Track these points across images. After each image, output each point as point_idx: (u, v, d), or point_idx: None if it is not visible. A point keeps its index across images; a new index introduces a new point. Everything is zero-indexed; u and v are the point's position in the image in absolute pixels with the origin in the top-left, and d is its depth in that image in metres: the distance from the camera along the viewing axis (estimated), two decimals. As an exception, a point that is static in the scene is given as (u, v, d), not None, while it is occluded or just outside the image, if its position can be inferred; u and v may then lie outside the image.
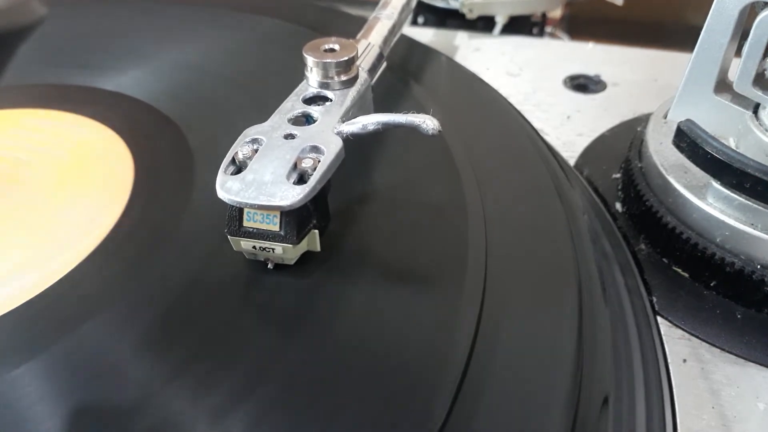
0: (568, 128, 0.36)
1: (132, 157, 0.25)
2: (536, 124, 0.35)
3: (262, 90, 0.30)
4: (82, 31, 0.36)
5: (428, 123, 0.18)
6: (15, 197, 0.24)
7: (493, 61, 0.43)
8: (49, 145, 0.26)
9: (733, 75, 0.24)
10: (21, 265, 0.21)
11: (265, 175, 0.18)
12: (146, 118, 0.28)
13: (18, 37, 0.35)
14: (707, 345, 0.23)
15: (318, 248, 0.20)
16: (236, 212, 0.19)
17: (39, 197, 0.24)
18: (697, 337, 0.23)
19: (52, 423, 0.16)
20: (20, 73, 0.33)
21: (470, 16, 0.46)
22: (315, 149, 0.19)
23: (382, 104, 0.24)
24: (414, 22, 0.50)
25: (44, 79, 0.31)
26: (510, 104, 0.31)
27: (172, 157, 0.25)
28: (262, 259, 0.19)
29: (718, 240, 0.24)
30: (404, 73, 0.32)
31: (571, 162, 0.33)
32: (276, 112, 0.21)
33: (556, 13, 0.53)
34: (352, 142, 0.20)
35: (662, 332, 0.24)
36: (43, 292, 0.20)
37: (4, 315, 0.19)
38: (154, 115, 0.28)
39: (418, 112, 0.19)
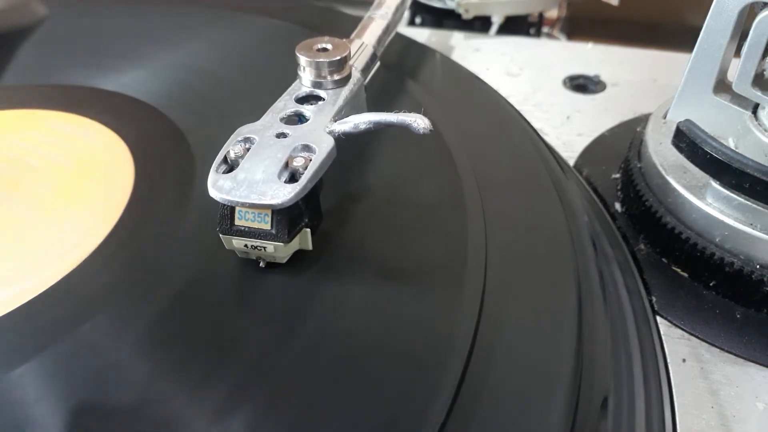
0: (568, 128, 0.36)
1: (132, 157, 0.25)
2: (536, 124, 0.35)
3: (262, 90, 0.29)
4: (82, 31, 0.36)
5: (419, 122, 0.18)
6: (15, 198, 0.24)
7: (493, 61, 0.43)
8: (48, 145, 0.26)
9: (732, 75, 0.24)
10: (19, 267, 0.21)
11: (256, 173, 0.18)
12: (146, 119, 0.28)
13: (18, 37, 0.35)
14: (707, 345, 0.23)
15: (310, 247, 0.19)
16: (228, 211, 0.18)
17: (39, 197, 0.24)
18: (696, 336, 0.23)
19: (51, 423, 0.16)
20: (20, 73, 0.33)
21: (466, 16, 0.46)
22: (307, 148, 0.19)
23: (381, 105, 0.24)
24: (411, 23, 0.50)
25: (44, 79, 0.31)
26: (509, 104, 0.31)
27: (173, 158, 0.25)
28: (254, 258, 0.19)
29: (717, 240, 0.24)
30: (401, 73, 0.31)
31: (571, 162, 0.33)
32: (269, 111, 0.21)
33: (553, 13, 0.52)
34: (347, 141, 0.20)
35: (662, 332, 0.23)
36: (42, 293, 0.19)
37: (3, 316, 0.19)
38: (154, 116, 0.28)
39: (410, 112, 0.18)
